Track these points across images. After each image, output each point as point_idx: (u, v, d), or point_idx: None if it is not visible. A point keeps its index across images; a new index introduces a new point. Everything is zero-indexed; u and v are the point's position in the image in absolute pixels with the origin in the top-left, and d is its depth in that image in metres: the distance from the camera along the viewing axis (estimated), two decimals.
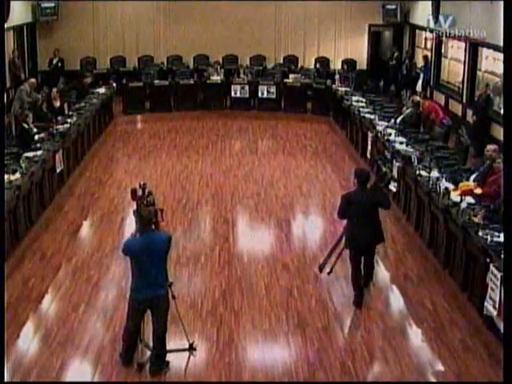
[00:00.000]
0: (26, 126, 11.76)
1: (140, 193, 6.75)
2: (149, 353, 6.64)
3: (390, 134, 12.06)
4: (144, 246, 6.25)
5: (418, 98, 13.90)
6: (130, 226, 10.67)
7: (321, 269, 8.58)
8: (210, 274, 8.76)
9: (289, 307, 7.86)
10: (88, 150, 14.31)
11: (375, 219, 8.06)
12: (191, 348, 6.78)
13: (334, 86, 17.92)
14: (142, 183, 6.84)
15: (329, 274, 8.48)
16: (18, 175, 9.52)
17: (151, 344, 6.61)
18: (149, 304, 6.42)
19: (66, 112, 13.99)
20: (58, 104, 13.95)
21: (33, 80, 16.19)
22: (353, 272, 8.04)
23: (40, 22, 20.06)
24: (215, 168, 13.62)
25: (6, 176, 9.14)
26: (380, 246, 9.59)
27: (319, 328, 7.40)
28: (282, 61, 21.03)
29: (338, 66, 20.92)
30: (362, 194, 8.04)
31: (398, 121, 13.04)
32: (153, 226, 6.44)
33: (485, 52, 15.58)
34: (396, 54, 20.55)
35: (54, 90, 14.46)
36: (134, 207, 6.63)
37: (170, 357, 6.71)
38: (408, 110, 13.27)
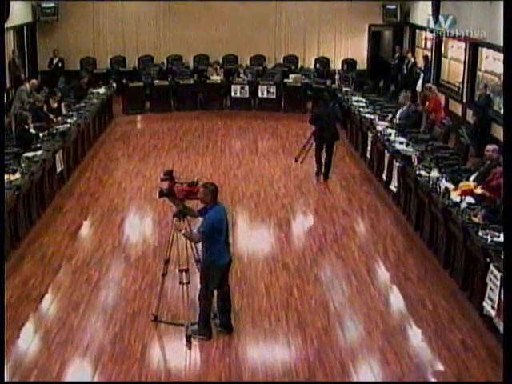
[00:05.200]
0: (26, 126, 11.76)
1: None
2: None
3: (390, 134, 12.06)
4: (224, 217, 7.02)
5: (408, 94, 14.23)
6: (130, 225, 10.74)
7: (296, 160, 12.98)
8: None
9: (289, 307, 7.86)
10: (88, 149, 14.30)
11: (334, 125, 12.82)
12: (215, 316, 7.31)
13: (334, 85, 17.91)
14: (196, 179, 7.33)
15: (301, 162, 12.87)
16: (17, 175, 9.52)
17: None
18: (228, 266, 7.17)
19: (64, 112, 14.00)
20: (55, 105, 13.96)
21: (34, 80, 16.20)
22: (316, 155, 12.89)
23: (40, 22, 20.07)
24: (215, 168, 13.61)
25: (6, 176, 9.13)
26: (380, 245, 9.75)
27: (319, 328, 7.40)
28: (282, 61, 21.01)
29: (338, 66, 20.92)
30: (324, 110, 13.08)
31: (397, 115, 13.21)
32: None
33: (485, 52, 15.58)
34: (398, 54, 20.55)
35: (57, 95, 14.47)
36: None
37: (169, 356, 6.71)
38: (405, 107, 13.32)
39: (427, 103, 14.31)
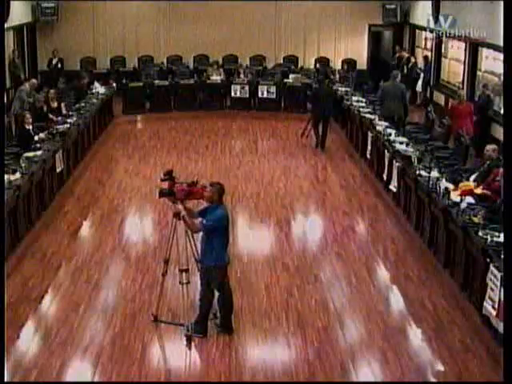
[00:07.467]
0: (26, 126, 11.76)
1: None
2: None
3: (390, 134, 12.07)
4: (227, 215, 7.19)
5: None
6: (130, 225, 10.74)
7: (302, 136, 15.28)
8: None
9: (289, 307, 7.85)
10: (88, 149, 14.30)
11: (330, 103, 14.87)
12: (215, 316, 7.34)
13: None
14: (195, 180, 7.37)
15: (306, 137, 15.17)
16: (17, 175, 9.51)
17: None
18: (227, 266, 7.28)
19: (64, 112, 13.99)
20: (55, 105, 13.96)
21: (34, 80, 16.20)
22: (315, 130, 14.87)
23: (40, 22, 20.08)
24: (215, 168, 13.60)
25: (6, 176, 9.13)
26: (380, 245, 9.72)
27: (319, 328, 7.40)
28: (282, 61, 21.03)
29: (338, 66, 20.93)
30: (321, 89, 15.48)
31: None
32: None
33: (485, 52, 15.59)
34: (398, 54, 20.53)
35: (52, 91, 14.46)
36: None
37: (169, 356, 6.72)
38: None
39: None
